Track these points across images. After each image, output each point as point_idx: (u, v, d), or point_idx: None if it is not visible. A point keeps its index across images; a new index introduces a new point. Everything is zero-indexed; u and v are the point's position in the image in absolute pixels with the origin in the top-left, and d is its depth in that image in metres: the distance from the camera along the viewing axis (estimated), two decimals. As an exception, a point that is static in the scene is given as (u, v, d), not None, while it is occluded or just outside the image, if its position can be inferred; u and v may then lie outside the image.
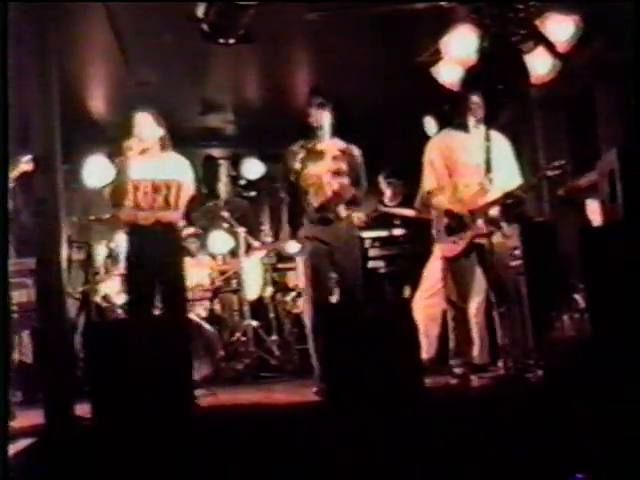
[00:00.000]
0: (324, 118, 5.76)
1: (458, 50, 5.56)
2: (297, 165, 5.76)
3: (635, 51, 4.98)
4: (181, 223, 6.01)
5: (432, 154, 5.82)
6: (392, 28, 6.10)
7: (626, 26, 5.10)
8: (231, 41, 5.49)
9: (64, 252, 5.15)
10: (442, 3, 5.32)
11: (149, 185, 5.73)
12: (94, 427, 4.63)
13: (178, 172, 5.88)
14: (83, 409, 4.79)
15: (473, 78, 5.67)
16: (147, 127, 5.79)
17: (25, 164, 5.47)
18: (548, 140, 7.62)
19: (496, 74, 5.68)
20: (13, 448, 4.35)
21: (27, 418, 5.35)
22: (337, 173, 5.76)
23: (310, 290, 5.71)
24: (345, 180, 5.78)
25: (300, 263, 5.96)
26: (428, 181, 5.82)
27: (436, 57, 5.75)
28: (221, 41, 5.47)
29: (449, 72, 5.92)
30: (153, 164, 5.78)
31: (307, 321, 5.81)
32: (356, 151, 5.88)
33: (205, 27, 5.38)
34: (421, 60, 5.87)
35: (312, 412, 5.06)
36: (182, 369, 4.90)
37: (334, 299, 5.95)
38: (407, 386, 4.77)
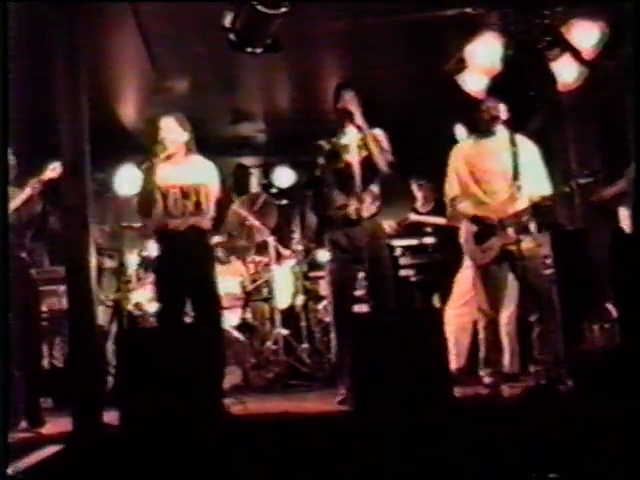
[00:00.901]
0: (351, 103, 5.58)
1: (483, 58, 5.53)
2: (321, 160, 5.72)
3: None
4: (209, 225, 5.92)
5: (456, 161, 5.78)
6: (422, 34, 6.07)
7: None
8: (258, 50, 5.47)
9: (93, 260, 5.19)
10: (468, 10, 5.29)
11: (178, 191, 5.65)
12: (122, 434, 4.64)
13: (205, 176, 5.79)
14: (112, 416, 4.80)
15: (499, 86, 5.62)
16: (172, 131, 5.71)
17: (50, 171, 5.49)
18: (580, 147, 7.55)
19: (523, 82, 5.63)
20: (40, 455, 4.41)
21: (57, 425, 5.42)
22: (363, 164, 5.57)
23: (334, 297, 5.67)
24: (372, 170, 5.62)
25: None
26: (452, 188, 5.78)
27: (462, 65, 5.72)
28: (249, 50, 5.46)
29: (474, 80, 5.89)
30: (180, 169, 5.71)
31: (333, 329, 5.77)
32: (381, 135, 5.71)
33: (232, 36, 5.38)
34: (447, 68, 5.84)
35: (342, 421, 5.03)
36: (212, 377, 4.91)
37: (363, 307, 5.94)
38: (435, 395, 4.74)
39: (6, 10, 2.40)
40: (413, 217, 7.66)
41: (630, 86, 4.97)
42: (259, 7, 4.92)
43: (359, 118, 5.58)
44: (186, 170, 5.75)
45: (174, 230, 5.67)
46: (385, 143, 5.70)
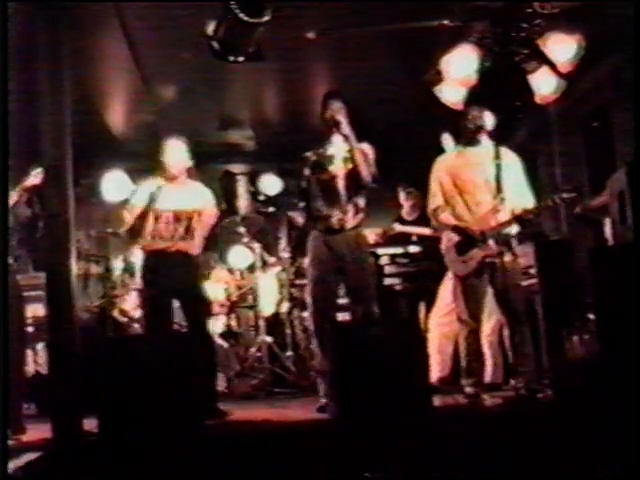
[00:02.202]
0: (339, 112, 5.60)
1: (459, 70, 5.54)
2: (307, 171, 5.73)
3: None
4: (198, 250, 5.98)
5: (439, 172, 5.78)
6: (407, 45, 6.09)
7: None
8: (241, 59, 5.49)
9: (75, 266, 5.19)
10: (445, 22, 5.30)
11: (171, 215, 5.75)
12: (102, 442, 4.63)
13: (200, 201, 5.91)
14: (92, 423, 4.78)
15: (477, 98, 5.63)
16: (178, 155, 5.83)
17: (34, 177, 5.49)
18: (565, 159, 7.57)
19: (501, 93, 5.65)
20: (19, 462, 4.39)
21: (39, 431, 5.40)
22: (348, 175, 5.62)
23: (315, 306, 5.68)
24: (356, 182, 5.63)
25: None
26: (434, 198, 5.77)
27: (439, 76, 5.74)
28: (231, 59, 5.48)
29: (451, 91, 5.91)
30: (178, 193, 5.81)
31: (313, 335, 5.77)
32: (368, 149, 5.71)
33: (215, 45, 5.39)
34: (425, 79, 5.86)
35: (323, 429, 5.03)
36: (194, 384, 4.89)
37: (346, 315, 5.95)
38: (415, 404, 4.74)
39: (6, 10, 2.41)
40: (398, 227, 7.67)
41: (630, 87, 5.00)
42: (241, 15, 4.92)
43: (346, 128, 5.59)
44: (183, 195, 5.83)
45: (162, 251, 5.75)
46: (371, 156, 5.70)
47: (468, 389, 5.63)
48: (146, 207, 5.71)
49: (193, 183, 5.97)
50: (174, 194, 5.79)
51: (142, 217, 5.74)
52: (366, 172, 5.61)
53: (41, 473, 4.35)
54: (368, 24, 5.68)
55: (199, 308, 5.89)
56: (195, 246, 5.90)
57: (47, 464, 4.47)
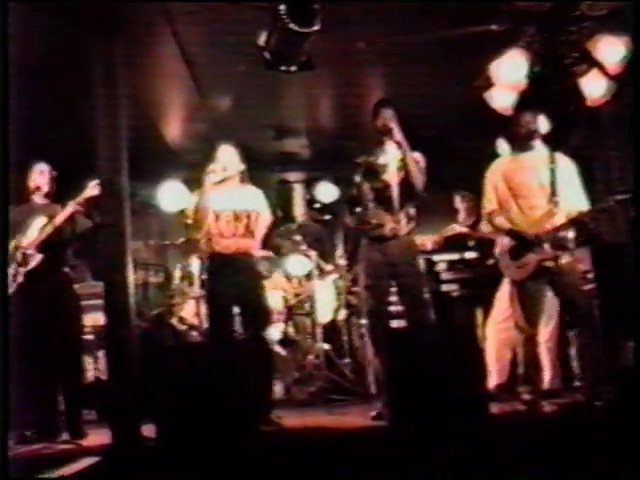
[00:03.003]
0: (391, 120, 5.65)
1: (508, 75, 5.52)
2: (359, 179, 5.79)
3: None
4: (259, 251, 6.09)
5: (494, 176, 5.76)
6: (454, 51, 6.08)
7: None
8: (293, 68, 5.53)
9: (132, 276, 5.28)
10: (493, 27, 5.28)
11: (230, 214, 5.86)
12: (160, 448, 4.69)
13: (256, 204, 6.02)
14: (150, 430, 4.83)
15: (528, 102, 5.60)
16: (230, 159, 5.93)
17: (91, 189, 5.63)
18: (620, 162, 7.44)
19: (553, 98, 5.60)
20: (77, 466, 4.48)
21: (99, 437, 5.51)
22: (401, 183, 5.64)
23: (368, 312, 5.70)
24: (409, 189, 5.66)
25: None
26: (489, 203, 5.76)
27: (489, 82, 5.71)
28: (283, 69, 5.52)
29: (501, 97, 5.88)
30: (233, 195, 5.91)
31: (367, 343, 5.79)
32: (419, 158, 5.76)
33: (267, 55, 5.44)
34: (476, 85, 5.84)
35: (380, 436, 5.03)
36: (253, 392, 4.94)
37: (401, 323, 5.95)
38: (472, 412, 4.72)
39: (6, 10, 2.46)
40: (458, 228, 7.61)
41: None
42: (291, 25, 4.96)
43: (398, 136, 5.62)
44: (239, 197, 5.94)
45: (224, 250, 5.83)
46: (422, 164, 5.74)
47: (526, 396, 5.59)
48: (204, 208, 5.78)
49: (247, 186, 6.06)
50: (230, 196, 5.89)
51: (201, 217, 5.81)
52: (418, 180, 5.64)
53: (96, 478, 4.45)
54: (417, 31, 5.68)
55: (260, 315, 5.93)
56: (255, 246, 6.01)
57: (106, 469, 4.56)
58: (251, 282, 5.92)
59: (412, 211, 5.75)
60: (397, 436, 4.75)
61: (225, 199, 5.85)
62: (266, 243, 6.30)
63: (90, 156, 5.25)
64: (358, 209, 5.80)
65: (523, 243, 5.53)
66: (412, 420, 4.73)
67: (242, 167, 5.99)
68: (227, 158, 5.92)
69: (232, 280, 5.78)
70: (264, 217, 6.06)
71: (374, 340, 5.63)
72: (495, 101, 5.94)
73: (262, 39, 5.41)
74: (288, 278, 8.24)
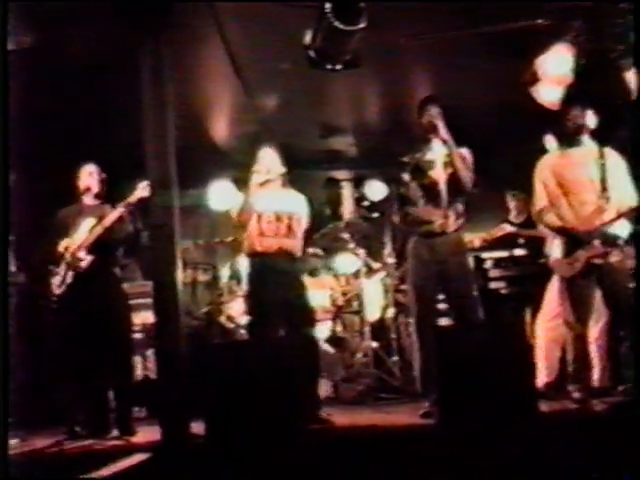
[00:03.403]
0: (436, 117, 5.65)
1: (554, 69, 5.46)
2: (406, 176, 5.78)
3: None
4: (299, 252, 6.11)
5: (544, 172, 5.71)
6: (500, 46, 6.04)
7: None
8: (338, 67, 5.53)
9: (180, 275, 5.32)
10: (539, 22, 5.22)
11: (272, 216, 5.92)
12: (209, 445, 4.72)
13: (297, 206, 6.08)
14: (199, 427, 4.88)
15: (574, 96, 5.54)
16: (272, 161, 5.97)
17: (142, 190, 5.68)
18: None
19: (600, 92, 5.53)
20: (127, 463, 4.54)
21: (148, 434, 5.57)
22: (448, 180, 5.64)
23: (416, 310, 5.69)
24: (456, 186, 5.66)
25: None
26: (538, 200, 5.71)
27: (535, 77, 5.66)
28: (328, 67, 5.52)
29: (548, 91, 5.83)
30: (275, 197, 5.97)
31: (415, 341, 5.76)
32: (466, 155, 5.75)
33: (312, 54, 5.44)
34: (522, 80, 5.80)
35: (429, 434, 5.01)
36: (303, 389, 4.95)
37: (446, 321, 5.92)
38: (521, 410, 4.69)
39: (6, 10, 2.48)
40: (508, 228, 7.56)
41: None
42: (337, 24, 4.96)
43: (444, 132, 5.60)
44: (281, 199, 6.00)
45: (266, 249, 5.88)
46: (469, 161, 5.72)
47: (575, 394, 5.54)
48: (248, 208, 5.84)
49: (288, 189, 6.12)
50: (272, 198, 5.94)
51: (245, 218, 5.88)
52: (466, 177, 5.62)
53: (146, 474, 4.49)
54: (463, 27, 5.64)
55: (304, 314, 5.96)
56: (298, 246, 6.04)
57: (155, 465, 4.61)
58: (293, 281, 5.97)
59: (460, 208, 5.73)
60: (445, 434, 4.73)
61: (267, 201, 5.90)
62: (306, 246, 6.33)
63: (139, 157, 5.29)
64: (407, 206, 5.79)
65: (573, 240, 5.49)
66: (461, 418, 4.71)
67: (283, 170, 6.02)
68: (269, 161, 5.97)
69: (274, 280, 5.84)
70: (305, 220, 6.11)
71: (421, 338, 5.61)
72: (542, 96, 5.89)
73: (307, 38, 5.42)
74: (336, 276, 8.23)
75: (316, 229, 7.75)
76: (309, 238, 6.43)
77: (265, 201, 5.89)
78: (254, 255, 5.99)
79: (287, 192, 6.10)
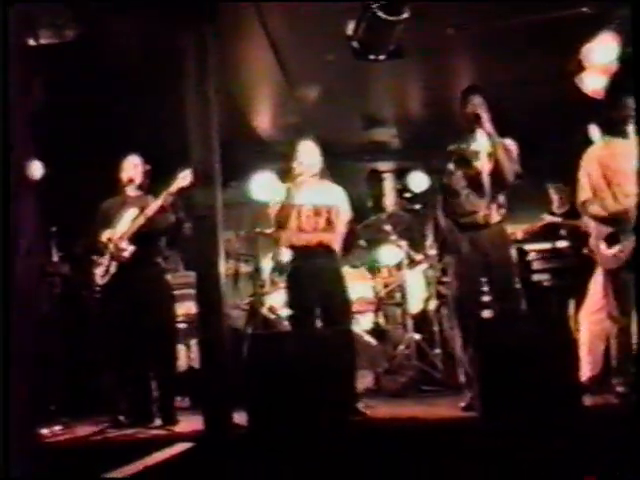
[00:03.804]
0: (479, 107, 5.54)
1: (600, 58, 5.39)
2: (451, 166, 5.72)
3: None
4: (339, 245, 6.10)
5: (589, 164, 5.65)
6: (550, 35, 5.98)
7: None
8: (382, 57, 5.52)
9: (223, 266, 5.34)
10: (584, 10, 5.17)
11: (311, 209, 5.93)
12: (252, 435, 4.75)
13: (336, 199, 6.07)
14: (242, 417, 4.92)
15: (619, 85, 5.47)
16: (312, 155, 5.97)
17: (182, 179, 5.70)
18: None
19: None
20: (170, 452, 4.58)
21: (191, 423, 5.62)
22: (492, 171, 5.54)
23: (457, 301, 5.66)
24: (500, 177, 5.55)
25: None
26: (583, 191, 5.66)
27: (580, 66, 5.61)
28: (372, 57, 5.51)
29: (593, 80, 5.76)
30: (314, 191, 5.97)
31: (457, 333, 5.73)
32: (512, 145, 5.67)
33: (355, 45, 5.44)
34: (568, 69, 5.74)
35: (470, 427, 4.99)
36: (342, 381, 4.95)
37: (489, 312, 5.88)
38: (564, 403, 4.65)
39: (6, 10, 2.49)
40: (548, 218, 7.49)
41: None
42: (380, 14, 4.94)
43: (487, 123, 5.54)
44: (319, 192, 6.00)
45: (306, 244, 5.92)
46: (514, 152, 5.65)
47: (619, 388, 5.48)
48: (287, 204, 5.85)
49: (327, 182, 6.11)
50: (311, 191, 5.94)
51: (285, 213, 5.89)
52: (509, 168, 5.54)
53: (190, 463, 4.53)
54: (507, 16, 5.60)
55: (342, 307, 5.98)
56: (336, 240, 6.03)
57: (198, 455, 4.65)
58: (332, 275, 5.98)
59: (503, 199, 5.67)
60: (487, 427, 4.71)
61: (306, 194, 5.91)
62: (348, 239, 6.23)
63: (183, 148, 5.33)
64: (450, 197, 5.75)
65: (617, 231, 5.42)
66: (503, 411, 4.69)
67: (322, 163, 6.01)
68: (308, 154, 5.97)
69: (313, 273, 5.87)
70: (344, 213, 6.09)
71: (464, 330, 5.58)
72: (587, 85, 5.83)
73: (350, 29, 5.41)
74: (378, 268, 8.21)
75: (358, 221, 7.71)
76: (353, 230, 6.31)
77: (304, 195, 5.90)
78: (293, 249, 6.04)
79: (325, 185, 6.09)
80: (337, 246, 6.05)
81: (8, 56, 2.59)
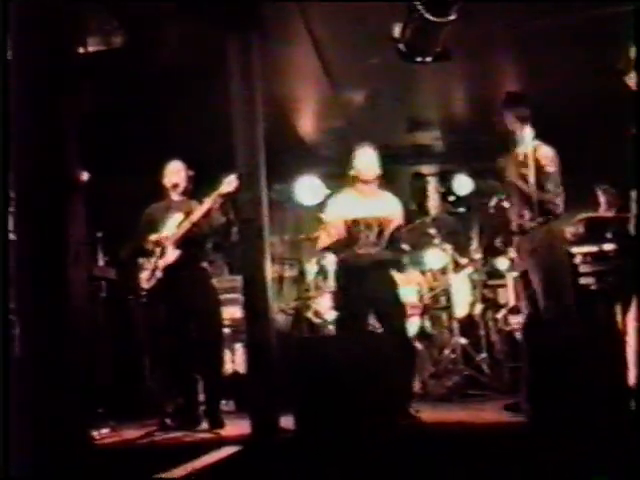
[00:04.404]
0: (524, 129, 5.61)
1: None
2: (500, 170, 5.89)
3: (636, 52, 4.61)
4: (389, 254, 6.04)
5: None
6: (598, 33, 5.91)
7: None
8: (428, 59, 5.49)
9: (270, 270, 5.35)
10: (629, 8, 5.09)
11: (363, 222, 5.84)
12: (299, 439, 4.74)
13: (391, 210, 6.00)
14: (289, 421, 4.91)
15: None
16: (370, 162, 5.90)
17: (227, 184, 5.70)
18: None
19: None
20: (217, 455, 4.58)
21: (237, 427, 5.62)
22: (536, 179, 5.58)
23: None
24: (541, 185, 5.61)
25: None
26: None
27: (630, 63, 5.51)
28: (419, 60, 5.48)
29: (642, 78, 5.66)
30: (369, 201, 5.92)
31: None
32: (551, 153, 5.70)
33: (402, 47, 5.41)
34: (617, 68, 5.64)
35: (519, 431, 4.94)
36: (389, 386, 4.92)
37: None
38: (612, 408, 4.59)
39: (6, 10, 2.50)
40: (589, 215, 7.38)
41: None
42: (427, 16, 4.91)
43: (529, 132, 5.53)
44: (375, 203, 5.93)
45: (358, 257, 5.83)
46: (555, 161, 5.69)
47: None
48: (340, 220, 5.85)
49: (383, 192, 6.04)
50: (366, 202, 5.89)
51: (337, 230, 5.88)
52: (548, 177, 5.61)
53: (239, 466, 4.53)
54: (554, 14, 5.54)
55: (395, 311, 5.93)
56: (385, 252, 5.95)
57: (245, 458, 4.65)
58: (382, 277, 5.91)
59: (550, 200, 5.65)
60: (535, 431, 4.66)
61: (359, 206, 5.87)
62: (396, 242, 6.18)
63: (227, 153, 5.35)
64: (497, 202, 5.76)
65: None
66: (551, 415, 4.64)
67: (380, 171, 5.93)
68: (366, 162, 5.90)
69: (362, 276, 5.78)
70: (397, 222, 6.02)
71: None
72: (635, 83, 5.72)
73: (397, 31, 5.39)
74: (423, 272, 8.17)
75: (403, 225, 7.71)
76: (399, 236, 6.18)
77: (357, 206, 5.86)
78: (345, 258, 5.96)
79: (382, 195, 6.02)
80: (387, 255, 5.98)
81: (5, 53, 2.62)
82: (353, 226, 5.82)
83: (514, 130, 5.72)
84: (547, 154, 5.67)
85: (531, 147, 5.59)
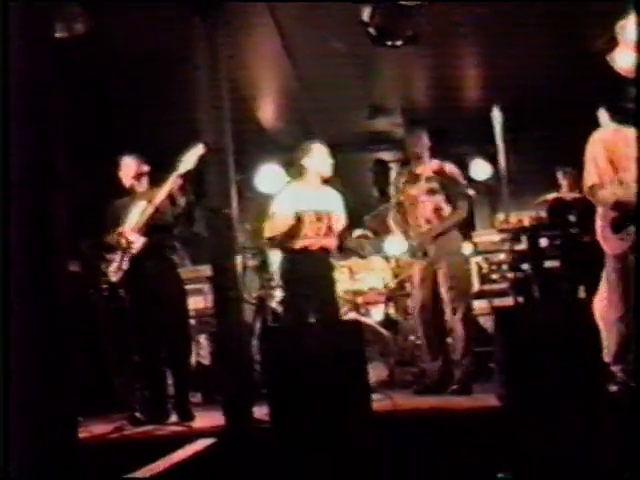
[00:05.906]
0: (420, 144, 6.40)
1: (633, 35, 5.32)
2: (399, 187, 6.55)
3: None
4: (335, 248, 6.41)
5: (595, 148, 5.57)
6: (563, 16, 5.93)
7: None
8: (398, 43, 5.47)
9: (238, 260, 5.29)
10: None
11: (313, 215, 6.12)
12: (272, 429, 4.69)
13: (335, 205, 6.28)
14: (261, 411, 4.92)
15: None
16: (324, 159, 6.17)
17: (184, 164, 5.63)
18: None
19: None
20: (191, 448, 4.52)
21: (207, 419, 5.56)
22: (430, 193, 6.29)
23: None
24: (439, 199, 6.30)
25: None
26: (590, 176, 5.57)
27: (612, 43, 5.53)
28: (388, 43, 5.46)
29: (624, 58, 5.68)
30: (317, 195, 6.18)
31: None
32: (451, 169, 6.29)
33: (372, 30, 5.38)
34: (597, 48, 5.66)
35: (491, 417, 4.94)
36: (356, 372, 4.90)
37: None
38: (587, 389, 4.61)
39: (6, 10, 2.43)
40: (551, 195, 7.43)
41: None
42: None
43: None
44: (321, 197, 6.23)
45: (307, 247, 6.12)
46: (456, 173, 6.38)
47: (619, 374, 5.42)
48: (287, 212, 6.11)
49: (327, 187, 6.30)
50: (314, 196, 6.16)
51: (283, 221, 6.14)
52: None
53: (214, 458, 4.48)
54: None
55: (332, 306, 6.25)
56: (334, 243, 6.33)
57: (220, 450, 4.59)
58: (325, 275, 6.22)
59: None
60: (509, 417, 4.68)
61: (309, 198, 6.12)
62: (342, 243, 6.69)
63: (194, 140, 5.28)
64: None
65: (625, 216, 5.36)
66: (525, 399, 4.65)
67: (331, 168, 6.19)
68: (320, 158, 6.14)
69: (309, 274, 6.05)
70: (342, 218, 6.30)
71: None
72: (618, 62, 5.74)
73: (366, 14, 5.35)
74: (386, 259, 8.14)
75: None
76: (344, 236, 6.74)
77: (307, 199, 6.10)
78: (292, 252, 6.19)
79: (326, 190, 6.27)
80: (334, 249, 6.38)
81: (8, 54, 2.53)
82: (299, 218, 6.05)
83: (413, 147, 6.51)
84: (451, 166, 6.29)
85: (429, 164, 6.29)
